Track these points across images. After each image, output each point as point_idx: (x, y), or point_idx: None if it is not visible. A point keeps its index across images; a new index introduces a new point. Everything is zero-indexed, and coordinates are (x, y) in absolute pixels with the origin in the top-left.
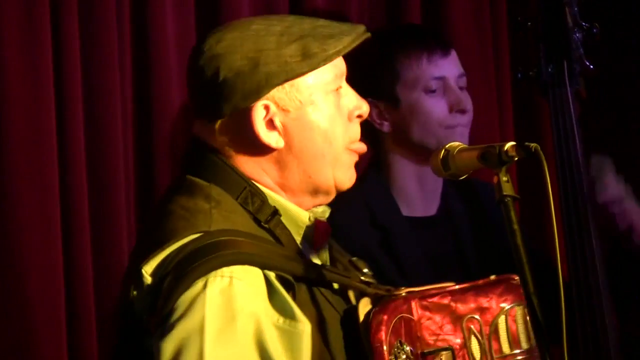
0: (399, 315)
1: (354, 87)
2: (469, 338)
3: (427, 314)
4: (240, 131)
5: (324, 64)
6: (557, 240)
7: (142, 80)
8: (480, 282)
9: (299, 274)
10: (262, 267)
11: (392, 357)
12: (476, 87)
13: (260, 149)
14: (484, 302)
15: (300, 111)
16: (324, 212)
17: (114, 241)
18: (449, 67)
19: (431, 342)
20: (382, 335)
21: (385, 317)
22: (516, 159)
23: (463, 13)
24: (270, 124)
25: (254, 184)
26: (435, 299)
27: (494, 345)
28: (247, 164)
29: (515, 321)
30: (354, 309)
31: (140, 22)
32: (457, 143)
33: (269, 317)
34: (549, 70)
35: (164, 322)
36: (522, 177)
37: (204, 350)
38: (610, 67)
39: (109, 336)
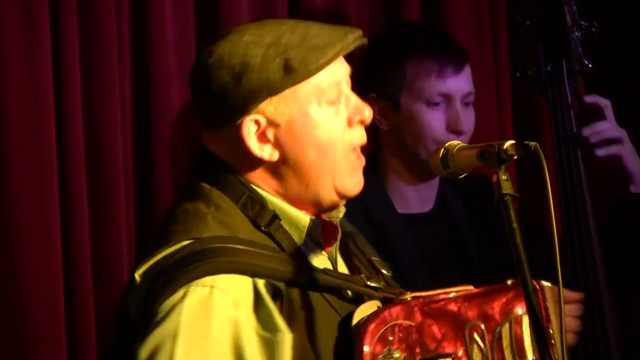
0: (392, 323)
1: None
2: (471, 346)
3: (430, 320)
4: (235, 143)
5: (307, 78)
6: (556, 239)
7: (142, 80)
8: (493, 287)
9: (294, 279)
10: (251, 274)
11: None
12: (475, 86)
13: (256, 160)
14: (489, 309)
15: (291, 125)
16: (337, 212)
17: (113, 241)
18: (457, 85)
19: (432, 348)
20: (366, 345)
21: (372, 326)
22: (515, 157)
23: (462, 12)
24: (263, 138)
25: (253, 189)
26: (439, 305)
27: (497, 355)
28: (246, 172)
29: (521, 330)
30: (350, 315)
31: (140, 22)
32: (456, 142)
33: (250, 325)
34: (548, 69)
35: (145, 327)
36: (521, 176)
37: (174, 357)
38: (609, 66)
39: (109, 337)
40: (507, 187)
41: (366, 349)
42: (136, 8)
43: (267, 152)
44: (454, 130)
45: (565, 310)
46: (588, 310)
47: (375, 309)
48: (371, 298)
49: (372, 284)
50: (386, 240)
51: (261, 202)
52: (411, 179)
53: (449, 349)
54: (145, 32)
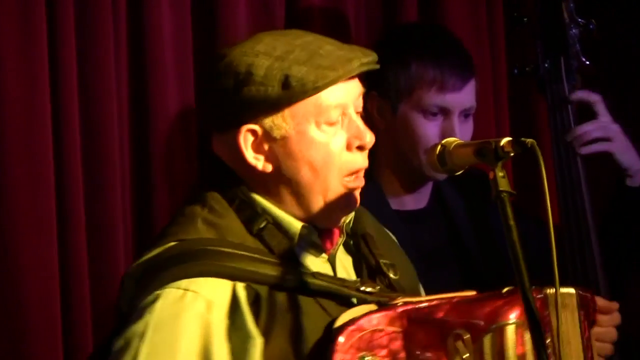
0: (372, 329)
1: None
2: (454, 355)
3: (417, 327)
4: (235, 148)
5: (304, 98)
6: (553, 235)
7: (138, 80)
8: (486, 294)
9: (281, 282)
10: (232, 277)
11: None
12: None
13: (251, 168)
14: (475, 317)
15: (286, 140)
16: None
17: (109, 241)
18: (457, 100)
19: (415, 355)
20: (338, 352)
21: (347, 332)
22: (512, 154)
23: (459, 9)
24: (259, 149)
25: (248, 193)
26: (426, 312)
27: None
28: (244, 176)
29: (504, 341)
30: (334, 320)
31: (137, 21)
32: (453, 139)
33: (222, 330)
34: (546, 66)
35: (122, 326)
36: (518, 173)
37: (138, 357)
38: (607, 63)
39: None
40: (503, 184)
41: (337, 356)
42: (133, 7)
43: (260, 163)
44: None
45: (605, 320)
46: None
47: (363, 313)
48: (365, 302)
49: (366, 289)
50: None
51: (254, 207)
52: (404, 178)
53: (432, 358)
54: (142, 32)
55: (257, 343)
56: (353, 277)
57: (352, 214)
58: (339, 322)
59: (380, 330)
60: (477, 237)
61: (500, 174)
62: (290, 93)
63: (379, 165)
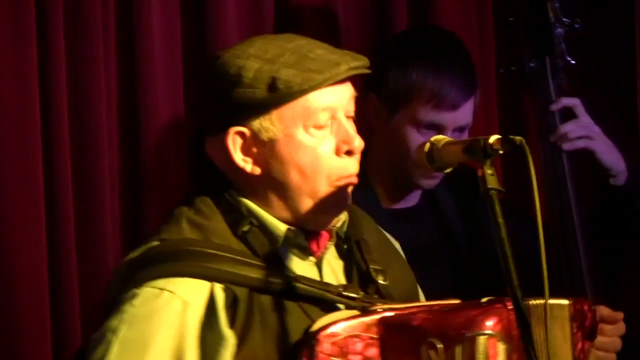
0: (345, 335)
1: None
2: None
3: (393, 333)
4: (224, 150)
5: (290, 101)
6: (541, 232)
7: (128, 79)
8: (464, 303)
9: (261, 285)
10: (210, 278)
11: None
12: None
13: (240, 170)
14: (448, 327)
15: (274, 143)
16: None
17: (98, 238)
18: (452, 119)
19: None
20: (304, 357)
21: (319, 337)
22: (501, 152)
23: (450, 11)
24: (247, 151)
25: (235, 195)
26: (403, 319)
27: None
28: (233, 179)
29: (474, 352)
30: (311, 325)
31: (126, 20)
32: (442, 136)
33: (195, 330)
34: (532, 65)
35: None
36: (507, 170)
37: (109, 350)
38: (592, 62)
39: None
40: (492, 182)
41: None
42: (123, 7)
43: (249, 166)
44: None
45: (609, 330)
46: None
47: (340, 318)
48: (348, 307)
49: (349, 294)
50: None
51: (240, 209)
52: (395, 179)
53: None
54: (132, 31)
55: (229, 344)
56: (342, 282)
57: (346, 218)
58: (315, 327)
59: (356, 336)
60: (468, 234)
61: (489, 171)
62: (277, 95)
63: (369, 164)
